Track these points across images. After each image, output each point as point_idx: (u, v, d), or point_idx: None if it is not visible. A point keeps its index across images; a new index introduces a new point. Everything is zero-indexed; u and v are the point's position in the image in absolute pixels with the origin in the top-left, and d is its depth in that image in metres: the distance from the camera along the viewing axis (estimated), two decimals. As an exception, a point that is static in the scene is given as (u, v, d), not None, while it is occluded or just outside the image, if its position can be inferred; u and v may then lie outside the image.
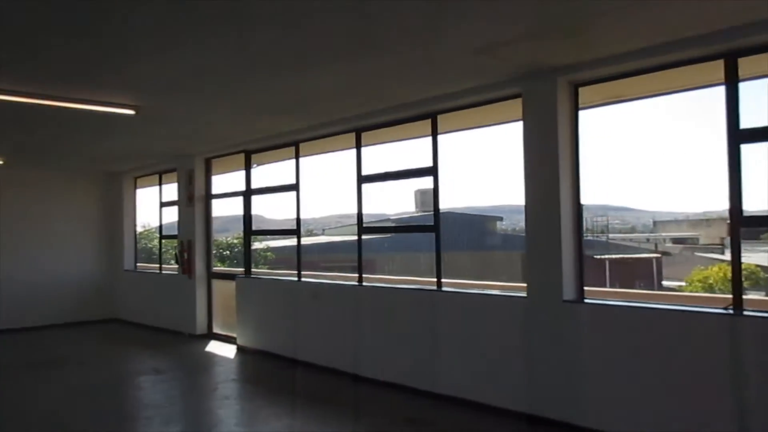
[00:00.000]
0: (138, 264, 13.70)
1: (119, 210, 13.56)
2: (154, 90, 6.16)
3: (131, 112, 6.86)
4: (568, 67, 5.42)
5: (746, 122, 4.63)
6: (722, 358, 4.51)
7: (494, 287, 7.14)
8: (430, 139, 6.85)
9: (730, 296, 4.71)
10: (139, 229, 14.12)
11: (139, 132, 8.53)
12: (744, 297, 4.69)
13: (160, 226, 12.79)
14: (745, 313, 4.54)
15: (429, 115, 6.84)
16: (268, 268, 16.70)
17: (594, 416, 5.23)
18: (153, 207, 13.24)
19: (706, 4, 4.05)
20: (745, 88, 4.66)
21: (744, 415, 4.38)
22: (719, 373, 4.51)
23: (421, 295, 6.99)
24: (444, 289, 6.76)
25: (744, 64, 4.61)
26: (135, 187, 13.63)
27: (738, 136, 4.63)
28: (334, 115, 7.58)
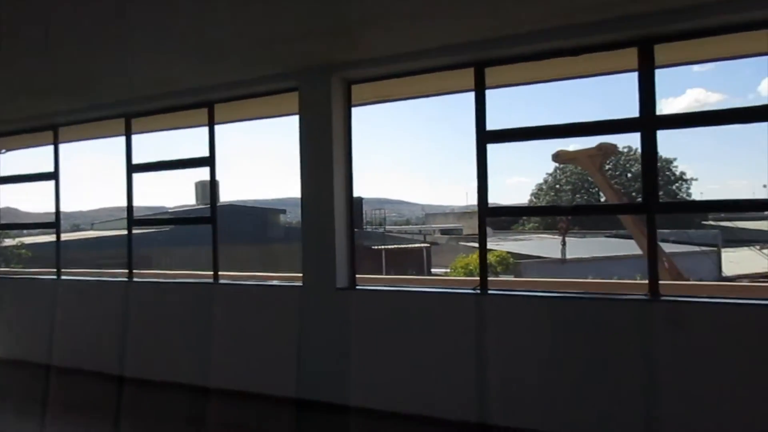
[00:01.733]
0: None
1: None
2: None
3: None
4: (342, 65, 5.66)
5: (492, 125, 5.27)
6: (470, 334, 5.10)
7: (275, 278, 7.19)
8: (206, 128, 6.65)
9: (478, 278, 5.35)
10: None
11: None
12: (490, 278, 5.35)
13: None
14: (489, 292, 5.20)
15: (206, 104, 6.64)
16: (22, 267, 14.85)
17: (359, 395, 5.56)
18: None
19: (457, 21, 4.55)
20: (491, 95, 5.31)
21: (483, 384, 5.02)
22: (470, 348, 5.10)
23: (196, 289, 6.78)
24: (221, 281, 6.64)
25: (491, 73, 5.24)
26: None
27: (485, 137, 5.24)
28: (103, 97, 6.97)
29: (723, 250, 25.32)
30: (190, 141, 8.50)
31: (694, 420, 4.33)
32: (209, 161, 6.64)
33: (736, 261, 24.40)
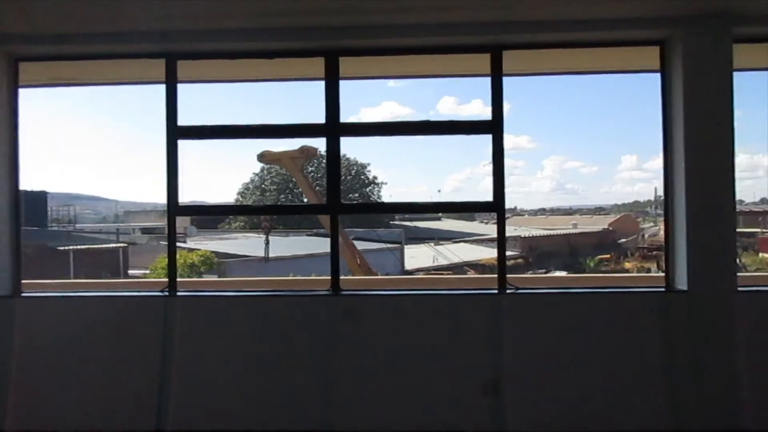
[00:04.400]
0: None
1: None
2: None
3: None
4: (6, 38, 4.88)
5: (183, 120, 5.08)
6: (156, 338, 4.83)
7: None
8: None
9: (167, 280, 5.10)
10: None
11: None
12: (190, 279, 5.17)
13: None
14: (179, 294, 5.00)
15: None
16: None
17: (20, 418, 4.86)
18: None
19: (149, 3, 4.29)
20: (184, 90, 5.12)
21: (165, 389, 4.80)
22: (156, 353, 4.82)
23: None
24: None
25: (184, 66, 5.05)
26: None
27: (176, 132, 5.03)
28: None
29: (406, 246, 28.70)
30: None
31: (368, 405, 4.76)
32: None
33: (416, 256, 27.94)
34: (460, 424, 4.69)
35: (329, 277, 4.99)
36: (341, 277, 5.06)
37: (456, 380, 4.74)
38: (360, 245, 21.28)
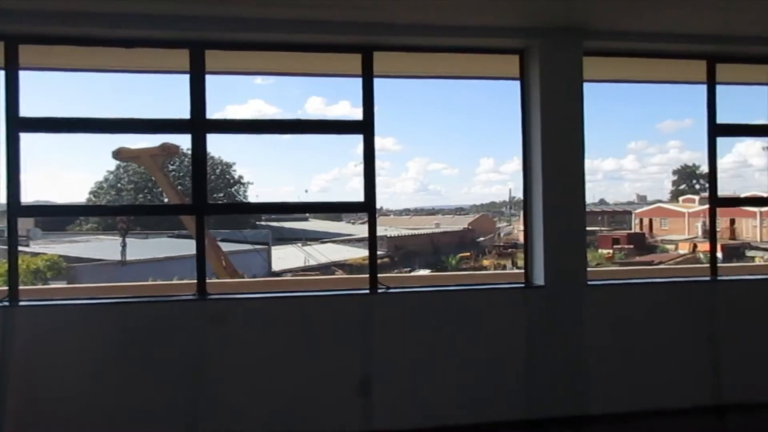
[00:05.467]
0: None
1: None
2: None
3: None
4: None
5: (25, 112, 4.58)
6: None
7: None
8: None
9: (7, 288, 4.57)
10: None
11: None
12: (22, 288, 4.67)
13: None
14: (21, 303, 4.50)
15: None
16: None
17: None
18: None
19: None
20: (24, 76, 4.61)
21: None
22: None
23: None
24: None
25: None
26: None
27: (16, 124, 4.52)
28: None
29: (273, 247, 28.19)
30: None
31: (239, 411, 4.58)
32: None
33: (283, 257, 27.54)
34: (332, 425, 4.66)
35: (195, 281, 4.75)
36: (207, 281, 4.84)
37: (329, 381, 4.70)
38: (225, 247, 20.58)
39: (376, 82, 4.96)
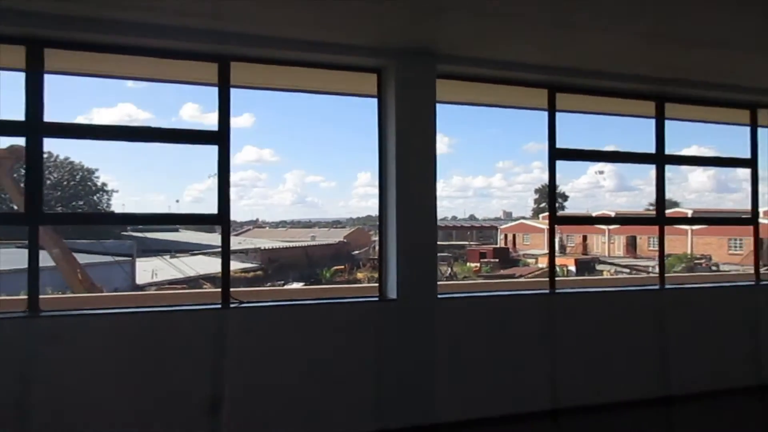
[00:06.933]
0: None
1: None
2: None
3: None
4: None
5: None
6: None
7: None
8: None
9: None
10: None
11: None
12: None
13: None
14: None
15: None
16: None
17: None
18: None
19: None
20: None
21: None
22: None
23: None
24: None
25: None
26: None
27: None
28: None
29: (138, 259, 26.64)
30: None
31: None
32: None
33: (150, 270, 26.09)
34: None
35: (26, 297, 4.39)
36: (55, 296, 4.48)
37: (175, 401, 4.52)
38: (83, 258, 19.18)
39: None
